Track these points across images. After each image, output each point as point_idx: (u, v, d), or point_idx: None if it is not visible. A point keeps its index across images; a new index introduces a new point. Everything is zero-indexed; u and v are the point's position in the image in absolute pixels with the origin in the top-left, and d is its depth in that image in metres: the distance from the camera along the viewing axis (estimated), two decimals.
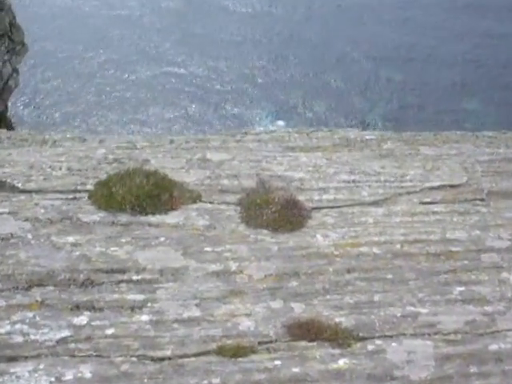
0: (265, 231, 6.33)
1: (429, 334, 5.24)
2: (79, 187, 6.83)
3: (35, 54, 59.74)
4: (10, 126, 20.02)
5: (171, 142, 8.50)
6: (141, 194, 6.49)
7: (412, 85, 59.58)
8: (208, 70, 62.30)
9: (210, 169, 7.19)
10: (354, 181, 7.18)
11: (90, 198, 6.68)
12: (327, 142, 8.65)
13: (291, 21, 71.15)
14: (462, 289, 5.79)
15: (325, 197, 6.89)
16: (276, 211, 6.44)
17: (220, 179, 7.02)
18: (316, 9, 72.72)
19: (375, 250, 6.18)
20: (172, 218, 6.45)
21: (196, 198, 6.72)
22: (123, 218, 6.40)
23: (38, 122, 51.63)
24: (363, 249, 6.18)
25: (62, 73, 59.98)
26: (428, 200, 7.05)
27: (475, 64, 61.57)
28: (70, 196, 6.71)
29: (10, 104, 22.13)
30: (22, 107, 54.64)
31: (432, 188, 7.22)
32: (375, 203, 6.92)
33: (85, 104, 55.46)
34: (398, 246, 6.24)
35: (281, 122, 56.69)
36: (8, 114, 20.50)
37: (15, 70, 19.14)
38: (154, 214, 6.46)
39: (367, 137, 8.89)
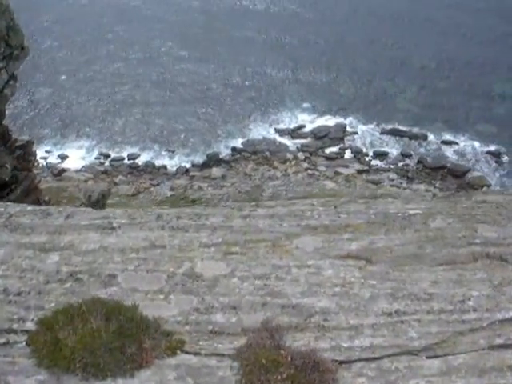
0: None
1: None
2: (15, 325, 4.93)
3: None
4: (6, 135, 18.24)
5: (158, 217, 6.63)
6: (97, 347, 4.58)
7: (439, 71, 57.11)
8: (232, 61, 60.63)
9: (199, 294, 5.23)
10: (397, 312, 5.18)
11: (28, 344, 4.79)
12: (359, 219, 6.70)
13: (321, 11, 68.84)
14: None
15: (358, 342, 4.91)
16: (288, 377, 4.49)
17: (212, 313, 5.06)
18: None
19: None
20: (140, 383, 4.53)
21: (176, 346, 4.78)
22: (71, 383, 4.51)
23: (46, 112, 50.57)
24: None
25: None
26: (500, 342, 5.03)
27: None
28: (2, 340, 4.83)
29: (7, 112, 20.31)
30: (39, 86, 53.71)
31: (504, 321, 5.22)
32: (427, 350, 4.93)
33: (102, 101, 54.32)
34: None
35: (306, 103, 54.67)
36: (5, 121, 18.64)
37: (12, 77, 17.23)
38: (114, 376, 4.54)
39: (411, 211, 6.92)
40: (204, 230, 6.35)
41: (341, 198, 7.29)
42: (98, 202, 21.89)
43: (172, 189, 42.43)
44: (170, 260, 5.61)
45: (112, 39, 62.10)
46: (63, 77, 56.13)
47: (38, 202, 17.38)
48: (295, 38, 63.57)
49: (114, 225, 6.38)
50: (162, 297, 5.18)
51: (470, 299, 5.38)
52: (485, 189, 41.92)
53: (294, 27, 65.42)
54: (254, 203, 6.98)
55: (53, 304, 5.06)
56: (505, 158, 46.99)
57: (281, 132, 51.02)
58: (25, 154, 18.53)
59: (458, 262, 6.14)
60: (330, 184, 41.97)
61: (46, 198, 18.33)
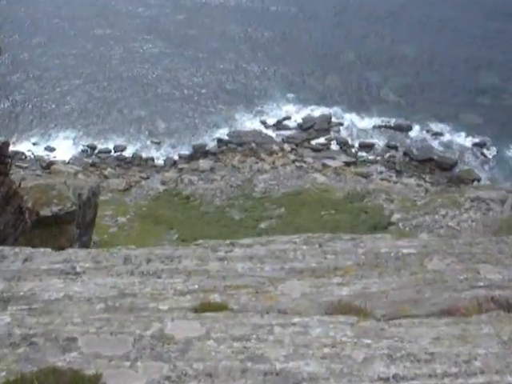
0: None
1: None
2: None
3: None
4: None
5: (126, 260, 6.02)
6: None
7: (426, 61, 56.55)
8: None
9: (170, 359, 4.59)
10: (395, 377, 4.56)
11: None
12: (348, 261, 6.12)
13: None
14: None
15: None
16: None
17: (185, 381, 4.40)
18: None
19: None
20: None
21: None
22: None
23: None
24: None
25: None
26: None
27: (491, 44, 58.31)
28: None
29: None
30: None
31: None
32: None
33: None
34: None
35: (291, 94, 53.96)
36: None
37: None
38: None
39: (404, 250, 6.35)
40: (178, 275, 5.76)
41: (324, 235, 6.69)
42: (89, 201, 21.13)
43: (163, 183, 41.98)
44: (137, 320, 4.97)
45: (93, 35, 61.36)
46: (45, 71, 55.34)
47: (20, 211, 16.56)
48: (280, 30, 62.90)
49: (78, 269, 5.78)
50: (127, 363, 4.55)
51: (476, 359, 4.78)
52: (475, 183, 41.50)
53: (279, 20, 64.77)
54: (228, 242, 6.41)
55: (4, 373, 4.43)
56: (491, 150, 46.71)
57: (266, 123, 50.64)
58: (0, 157, 17.70)
59: (460, 307, 5.61)
60: (320, 177, 41.56)
61: (29, 205, 17.48)
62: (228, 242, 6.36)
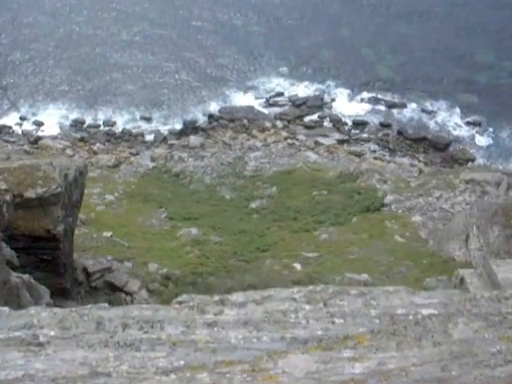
0: None
1: None
2: None
3: None
4: None
5: (98, 325, 5.12)
6: None
7: (422, 39, 55.28)
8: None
9: None
10: None
11: None
12: (360, 326, 5.24)
13: None
14: None
15: None
16: None
17: None
18: None
19: None
20: None
21: None
22: None
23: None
24: None
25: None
26: None
27: (488, 24, 56.99)
28: None
29: None
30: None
31: None
32: None
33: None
34: None
35: (284, 69, 52.84)
36: None
37: None
38: None
39: (424, 311, 5.47)
40: (160, 348, 4.86)
41: (329, 289, 5.79)
42: (76, 181, 20.31)
43: (153, 159, 41.32)
44: None
45: (84, 11, 59.72)
46: (33, 44, 54.21)
47: None
48: (273, 4, 61.45)
49: (41, 339, 4.86)
50: None
51: None
52: (470, 164, 40.88)
53: None
54: (217, 298, 5.50)
55: None
56: (486, 129, 46.17)
57: (258, 99, 49.97)
58: None
59: None
60: (312, 156, 40.85)
61: (8, 198, 16.54)
62: (217, 298, 5.46)
